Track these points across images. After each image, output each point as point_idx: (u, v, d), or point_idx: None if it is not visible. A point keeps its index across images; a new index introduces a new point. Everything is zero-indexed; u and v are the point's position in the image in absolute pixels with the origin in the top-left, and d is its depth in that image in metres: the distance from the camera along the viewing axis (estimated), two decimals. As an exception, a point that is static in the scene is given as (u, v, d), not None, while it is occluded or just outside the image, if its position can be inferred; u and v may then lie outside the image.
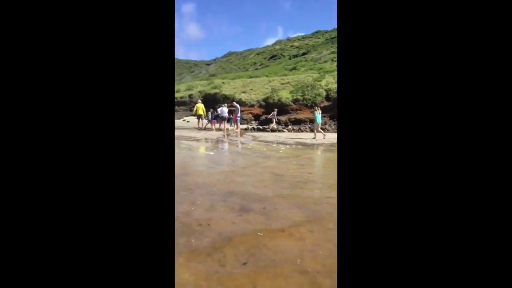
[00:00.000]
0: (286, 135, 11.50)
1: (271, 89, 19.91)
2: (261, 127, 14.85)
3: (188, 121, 19.20)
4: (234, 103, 14.37)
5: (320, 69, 25.36)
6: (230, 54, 76.61)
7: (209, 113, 14.12)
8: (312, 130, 10.80)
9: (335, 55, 32.97)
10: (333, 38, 45.68)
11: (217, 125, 13.65)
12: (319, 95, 17.51)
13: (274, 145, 7.72)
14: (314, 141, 8.90)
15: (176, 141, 8.07)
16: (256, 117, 17.65)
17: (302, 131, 13.85)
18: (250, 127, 13.27)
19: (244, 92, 21.50)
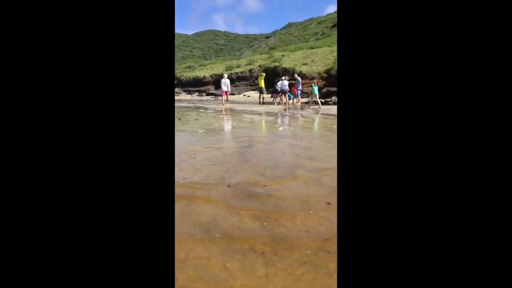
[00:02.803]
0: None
1: (334, 59, 18.88)
2: (323, 100, 14.33)
3: (248, 96, 19.44)
4: (295, 75, 14.07)
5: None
6: (290, 25, 74.12)
7: (279, 83, 13.59)
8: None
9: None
10: None
11: (277, 99, 13.57)
12: (387, 63, 16.05)
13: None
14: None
15: (238, 115, 8.30)
16: (318, 90, 16.99)
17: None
18: (311, 100, 12.93)
19: (305, 64, 20.84)
